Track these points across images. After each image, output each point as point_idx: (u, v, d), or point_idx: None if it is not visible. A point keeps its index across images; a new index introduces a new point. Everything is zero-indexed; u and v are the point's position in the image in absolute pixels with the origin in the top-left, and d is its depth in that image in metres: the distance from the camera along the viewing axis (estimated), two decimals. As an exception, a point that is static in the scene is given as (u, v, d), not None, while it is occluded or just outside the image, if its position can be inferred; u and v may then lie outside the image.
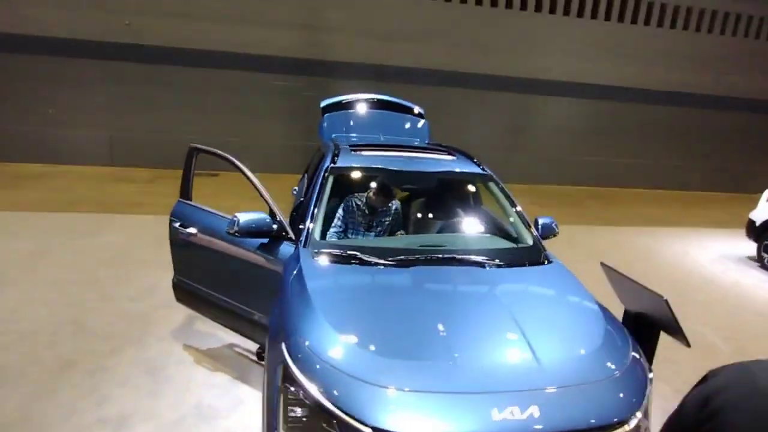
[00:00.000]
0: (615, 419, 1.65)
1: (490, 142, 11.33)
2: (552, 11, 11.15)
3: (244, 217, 2.61)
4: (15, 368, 2.89)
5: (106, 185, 8.17)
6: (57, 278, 4.20)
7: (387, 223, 3.25)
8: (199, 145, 3.21)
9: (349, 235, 3.16)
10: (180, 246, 3.13)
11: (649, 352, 2.26)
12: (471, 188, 3.64)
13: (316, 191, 2.91)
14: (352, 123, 4.79)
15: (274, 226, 2.67)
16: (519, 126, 11.73)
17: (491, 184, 3.25)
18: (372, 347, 1.80)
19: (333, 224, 3.18)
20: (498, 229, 3.16)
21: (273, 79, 10.53)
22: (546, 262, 2.65)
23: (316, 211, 2.78)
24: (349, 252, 2.47)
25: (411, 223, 3.41)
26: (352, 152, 3.36)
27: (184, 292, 3.22)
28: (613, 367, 1.84)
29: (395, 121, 4.92)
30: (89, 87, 9.82)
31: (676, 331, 2.05)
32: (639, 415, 1.72)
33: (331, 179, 3.02)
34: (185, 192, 3.22)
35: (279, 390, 1.75)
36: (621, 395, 1.76)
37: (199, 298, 3.13)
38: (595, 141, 12.09)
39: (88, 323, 3.48)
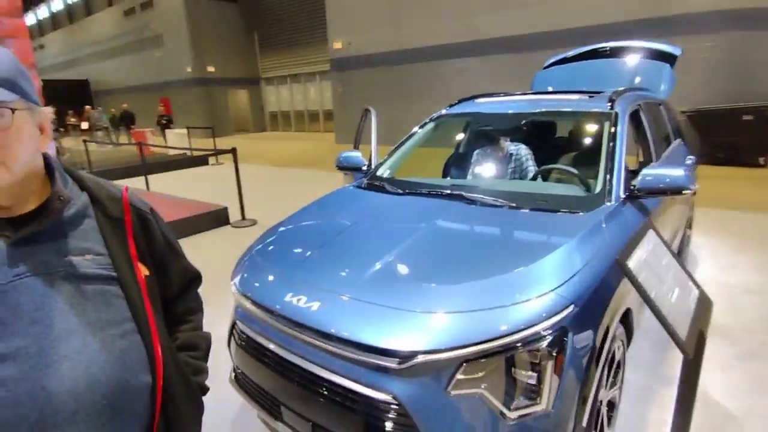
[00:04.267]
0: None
1: None
2: None
3: (343, 155, 3.26)
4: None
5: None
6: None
7: (511, 170, 3.06)
8: (368, 107, 4.02)
9: None
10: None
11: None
12: (587, 129, 2.85)
13: (407, 136, 3.19)
14: (561, 78, 4.35)
15: (363, 167, 3.15)
16: None
17: (606, 124, 2.51)
18: (304, 244, 2.04)
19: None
20: (585, 174, 2.47)
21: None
22: (585, 212, 2.00)
23: (395, 151, 3.09)
24: (379, 182, 2.71)
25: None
26: (474, 101, 3.31)
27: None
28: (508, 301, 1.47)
29: (617, 69, 4.08)
30: (443, 82, 12.14)
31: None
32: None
33: (429, 126, 3.19)
34: (356, 143, 4.11)
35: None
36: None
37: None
38: None
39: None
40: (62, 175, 0.88)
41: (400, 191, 2.50)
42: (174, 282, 1.06)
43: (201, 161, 10.93)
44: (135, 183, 8.03)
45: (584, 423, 1.50)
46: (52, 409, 0.75)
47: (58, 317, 0.78)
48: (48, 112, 0.85)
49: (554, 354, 1.40)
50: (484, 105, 3.13)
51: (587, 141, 2.94)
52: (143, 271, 0.94)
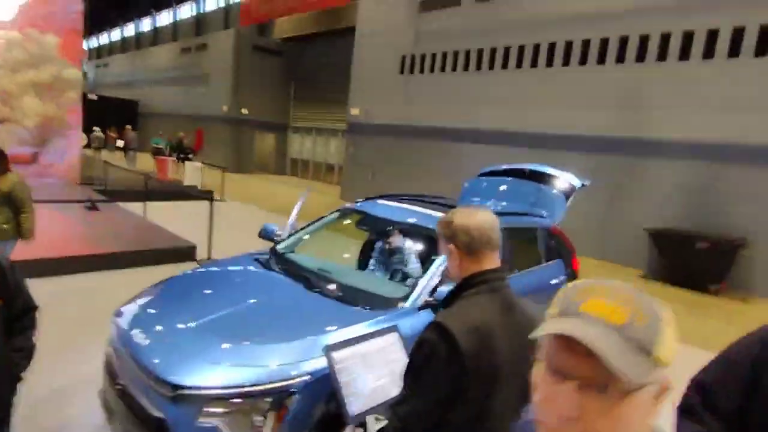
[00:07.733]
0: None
1: None
2: None
3: (266, 226, 4.00)
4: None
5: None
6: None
7: (397, 261, 3.75)
8: (308, 188, 4.82)
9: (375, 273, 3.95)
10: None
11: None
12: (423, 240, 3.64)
13: (315, 220, 3.94)
14: (485, 188, 5.05)
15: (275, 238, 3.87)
16: None
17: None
18: (169, 297, 2.83)
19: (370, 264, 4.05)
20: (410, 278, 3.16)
21: (582, 159, 10.49)
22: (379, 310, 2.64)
23: (300, 229, 3.83)
24: (263, 258, 3.40)
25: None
26: (376, 202, 4.03)
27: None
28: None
29: (522, 190, 4.79)
30: (444, 161, 13.08)
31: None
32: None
33: (333, 215, 3.93)
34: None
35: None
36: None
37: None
38: None
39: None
40: None
41: (275, 269, 3.20)
42: (17, 308, 1.80)
43: (206, 195, 11.93)
44: (135, 208, 8.96)
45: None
46: None
47: None
48: None
49: (276, 409, 2.02)
50: (376, 207, 3.84)
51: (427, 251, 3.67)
52: None
